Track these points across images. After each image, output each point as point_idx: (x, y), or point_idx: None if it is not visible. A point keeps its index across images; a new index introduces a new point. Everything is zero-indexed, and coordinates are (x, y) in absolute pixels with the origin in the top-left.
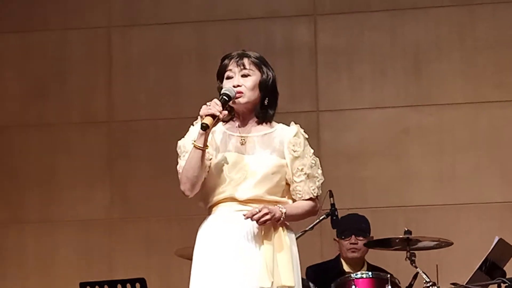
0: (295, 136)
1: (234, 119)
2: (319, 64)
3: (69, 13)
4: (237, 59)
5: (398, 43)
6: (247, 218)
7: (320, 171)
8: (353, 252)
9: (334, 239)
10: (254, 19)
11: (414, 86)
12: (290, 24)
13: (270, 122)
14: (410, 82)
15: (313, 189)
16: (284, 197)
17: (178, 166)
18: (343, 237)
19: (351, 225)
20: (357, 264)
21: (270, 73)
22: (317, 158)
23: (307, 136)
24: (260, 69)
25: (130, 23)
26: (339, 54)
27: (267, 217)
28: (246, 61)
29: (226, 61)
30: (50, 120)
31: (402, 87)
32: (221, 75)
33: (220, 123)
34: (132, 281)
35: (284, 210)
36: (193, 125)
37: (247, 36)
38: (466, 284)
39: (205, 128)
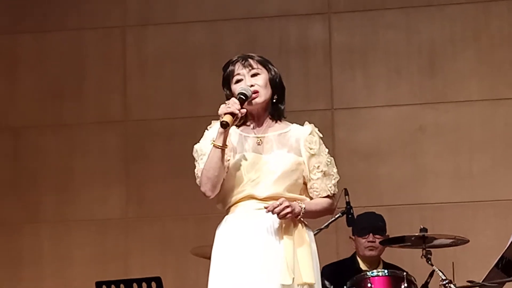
0: (310, 134)
1: (248, 122)
2: (333, 63)
3: (84, 13)
4: (243, 61)
5: (413, 41)
6: (269, 211)
7: (335, 170)
8: (370, 250)
9: (350, 237)
10: (269, 18)
11: (429, 84)
12: (304, 23)
13: (284, 118)
14: (425, 80)
15: (330, 187)
16: (302, 195)
17: (196, 170)
18: (360, 235)
19: (369, 223)
20: (373, 262)
21: (275, 70)
22: (332, 157)
23: (321, 135)
24: (266, 67)
25: (145, 22)
26: (353, 52)
27: (288, 209)
28: (251, 61)
29: (230, 67)
30: (66, 121)
31: (417, 84)
32: (227, 82)
33: (234, 127)
34: (148, 280)
35: (303, 206)
36: (207, 129)
37: (261, 35)
38: (482, 281)
39: (225, 126)
